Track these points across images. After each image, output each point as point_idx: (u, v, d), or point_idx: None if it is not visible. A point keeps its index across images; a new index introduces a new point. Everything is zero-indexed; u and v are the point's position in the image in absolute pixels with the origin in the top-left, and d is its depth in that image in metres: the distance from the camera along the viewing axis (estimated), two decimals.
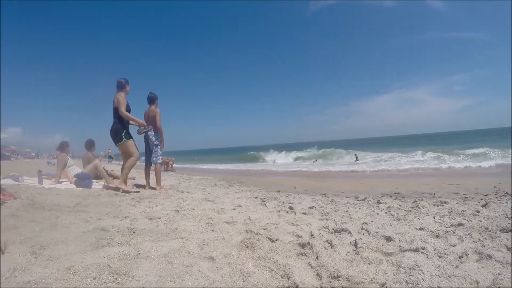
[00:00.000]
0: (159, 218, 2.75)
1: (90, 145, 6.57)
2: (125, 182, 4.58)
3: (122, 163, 4.89)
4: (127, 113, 4.66)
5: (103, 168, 6.15)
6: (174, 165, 16.27)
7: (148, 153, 5.11)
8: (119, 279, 1.45)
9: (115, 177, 6.24)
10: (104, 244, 1.95)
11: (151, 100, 5.21)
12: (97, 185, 5.18)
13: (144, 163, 5.33)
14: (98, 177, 5.99)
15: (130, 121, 4.83)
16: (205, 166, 21.94)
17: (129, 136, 4.70)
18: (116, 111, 4.57)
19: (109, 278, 1.45)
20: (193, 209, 3.28)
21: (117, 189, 4.42)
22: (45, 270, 1.47)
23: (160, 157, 5.09)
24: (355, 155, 20.39)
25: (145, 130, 4.97)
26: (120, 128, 4.61)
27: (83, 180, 4.81)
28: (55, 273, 1.44)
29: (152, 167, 5.19)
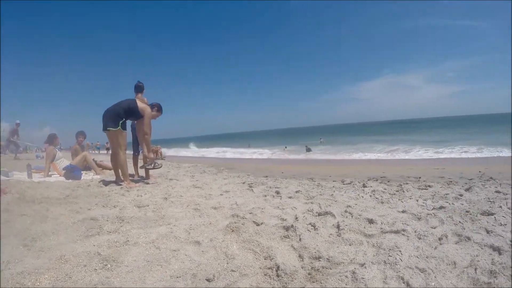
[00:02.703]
0: (148, 206, 2.84)
1: (78, 136, 6.55)
2: (128, 178, 4.23)
3: (111, 154, 4.46)
4: (149, 138, 4.45)
5: (92, 159, 6.15)
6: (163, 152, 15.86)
7: (136, 142, 5.12)
8: (109, 265, 1.54)
9: (104, 168, 6.25)
10: (94, 233, 2.03)
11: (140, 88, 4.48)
12: (86, 176, 5.21)
13: (132, 153, 5.33)
14: (87, 168, 6.00)
15: (143, 145, 4.56)
16: (212, 155, 19.67)
17: (125, 128, 4.23)
18: (132, 108, 4.19)
19: (99, 265, 1.54)
20: (181, 196, 3.36)
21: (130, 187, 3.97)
22: (38, 261, 1.55)
23: None
24: (306, 146, 18.49)
25: (154, 166, 4.72)
26: (122, 115, 4.12)
27: (72, 172, 4.83)
28: (47, 263, 1.52)
29: (140, 156, 5.20)
